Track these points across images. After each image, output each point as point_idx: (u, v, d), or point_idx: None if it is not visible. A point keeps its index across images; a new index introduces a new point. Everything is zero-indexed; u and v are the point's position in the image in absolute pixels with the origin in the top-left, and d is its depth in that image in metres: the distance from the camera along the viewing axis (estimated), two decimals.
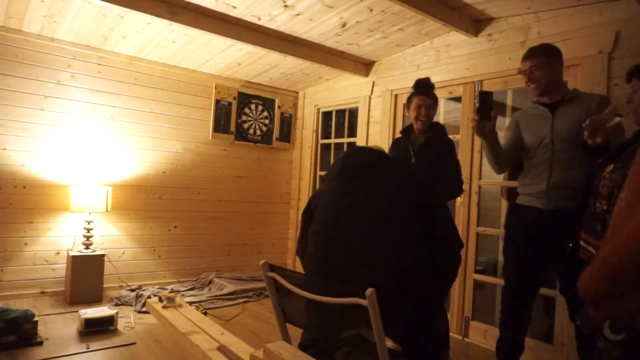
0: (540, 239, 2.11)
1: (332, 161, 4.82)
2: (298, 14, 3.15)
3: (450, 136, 2.53)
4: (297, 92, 5.12)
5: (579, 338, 2.04)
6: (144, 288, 3.86)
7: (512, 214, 2.34)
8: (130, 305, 3.50)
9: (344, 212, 1.40)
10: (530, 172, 2.20)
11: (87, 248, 3.62)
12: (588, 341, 2.16)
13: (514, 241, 2.25)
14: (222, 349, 1.96)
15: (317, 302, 1.18)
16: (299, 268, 2.27)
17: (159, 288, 3.92)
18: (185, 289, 4.03)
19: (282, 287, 1.32)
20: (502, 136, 2.30)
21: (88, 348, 2.62)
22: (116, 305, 3.49)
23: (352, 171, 1.45)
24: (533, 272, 2.19)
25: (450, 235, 1.56)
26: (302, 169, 5.01)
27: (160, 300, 2.67)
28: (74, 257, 3.49)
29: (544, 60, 2.09)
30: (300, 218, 1.79)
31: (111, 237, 3.96)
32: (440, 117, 3.67)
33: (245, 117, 4.76)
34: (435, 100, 2.45)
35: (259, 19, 3.25)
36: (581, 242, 1.61)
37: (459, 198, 3.25)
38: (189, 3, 3.02)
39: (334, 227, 1.41)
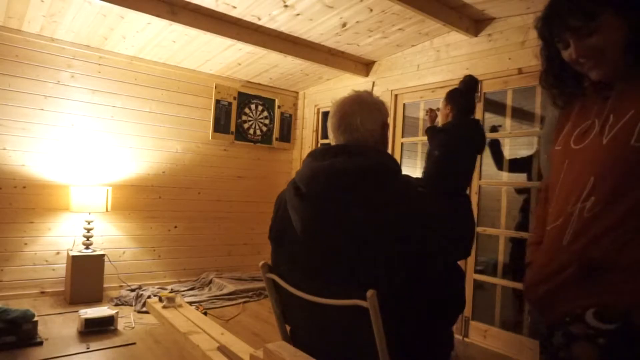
0: None
1: None
2: (298, 14, 3.15)
3: None
4: (297, 92, 5.12)
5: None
6: (144, 288, 3.86)
7: None
8: (130, 305, 3.50)
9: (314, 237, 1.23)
10: None
11: (87, 248, 3.62)
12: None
13: None
14: (222, 349, 1.96)
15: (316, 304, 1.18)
16: None
17: (159, 288, 3.92)
18: (185, 289, 4.03)
19: (282, 288, 1.32)
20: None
21: (88, 348, 2.62)
22: (116, 305, 3.49)
23: (316, 187, 1.22)
24: None
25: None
26: None
27: (160, 300, 2.67)
28: (74, 257, 3.49)
29: None
30: None
31: (111, 237, 3.96)
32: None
33: (245, 117, 4.76)
34: None
35: (259, 19, 3.25)
36: None
37: None
38: (189, 3, 3.02)
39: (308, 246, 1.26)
